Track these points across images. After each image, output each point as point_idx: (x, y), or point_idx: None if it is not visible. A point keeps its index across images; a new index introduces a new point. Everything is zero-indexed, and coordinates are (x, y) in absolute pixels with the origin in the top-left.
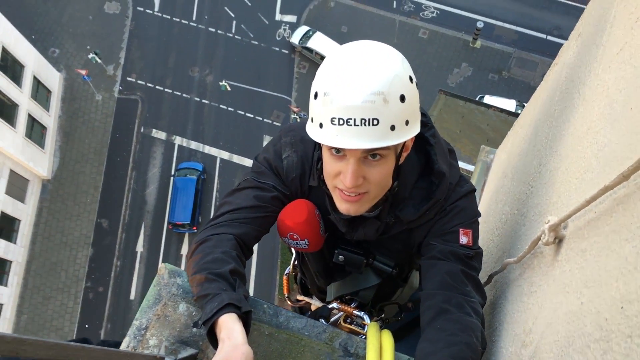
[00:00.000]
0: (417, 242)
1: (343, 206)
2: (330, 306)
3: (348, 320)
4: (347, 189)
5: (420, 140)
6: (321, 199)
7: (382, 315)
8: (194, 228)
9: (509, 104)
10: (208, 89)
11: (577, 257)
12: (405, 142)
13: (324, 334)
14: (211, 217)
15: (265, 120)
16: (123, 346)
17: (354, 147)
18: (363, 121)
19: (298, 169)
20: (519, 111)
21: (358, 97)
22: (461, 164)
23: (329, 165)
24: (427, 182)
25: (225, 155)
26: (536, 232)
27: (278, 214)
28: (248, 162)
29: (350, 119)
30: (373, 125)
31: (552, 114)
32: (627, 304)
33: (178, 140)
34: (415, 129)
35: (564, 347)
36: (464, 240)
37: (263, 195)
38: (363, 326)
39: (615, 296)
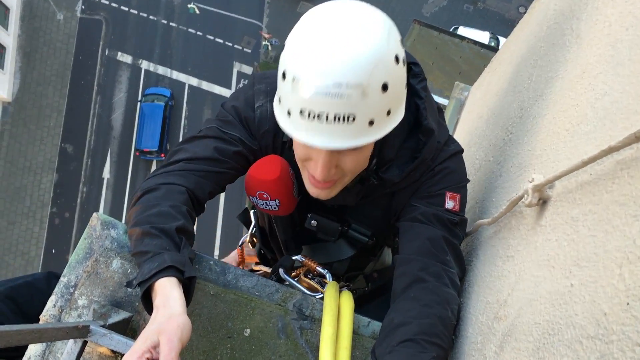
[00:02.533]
0: (400, 206)
1: (312, 190)
2: (294, 257)
3: (309, 276)
4: (316, 180)
5: (409, 92)
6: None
7: (350, 285)
8: (162, 155)
9: (483, 36)
10: (176, 11)
11: (566, 226)
12: None
13: (277, 294)
14: (168, 160)
15: (235, 46)
16: (49, 305)
17: (324, 146)
18: (337, 117)
19: (272, 120)
20: (492, 43)
21: (332, 89)
22: (433, 97)
23: (298, 147)
24: (414, 141)
25: (194, 81)
26: (515, 187)
27: (239, 172)
28: (218, 90)
29: (322, 113)
30: (348, 122)
31: (536, 51)
32: (635, 301)
33: (145, 65)
34: (398, 116)
35: (548, 334)
36: (449, 204)
37: (225, 148)
38: (324, 285)
39: (618, 287)
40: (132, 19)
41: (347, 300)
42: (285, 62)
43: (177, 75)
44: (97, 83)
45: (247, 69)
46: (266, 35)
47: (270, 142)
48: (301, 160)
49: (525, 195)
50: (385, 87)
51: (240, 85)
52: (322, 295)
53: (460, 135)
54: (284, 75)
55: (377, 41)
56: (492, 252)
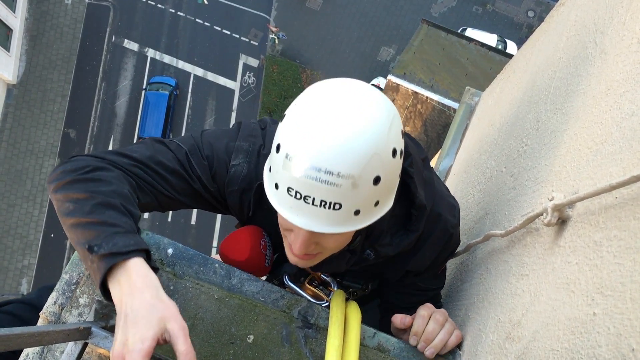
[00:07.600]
0: (399, 269)
1: (291, 258)
2: None
3: (314, 283)
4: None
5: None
6: (273, 221)
7: (350, 289)
8: None
9: (491, 39)
10: (184, 0)
11: (588, 250)
12: None
13: (282, 300)
14: (118, 150)
15: (242, 38)
16: (49, 302)
17: (305, 228)
18: (322, 203)
19: (244, 182)
20: (500, 46)
21: (322, 176)
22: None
23: (281, 217)
24: (404, 208)
25: (199, 72)
26: (530, 202)
27: (186, 203)
28: (223, 81)
29: (309, 196)
30: (333, 209)
31: (555, 62)
32: None
33: (151, 53)
34: (385, 207)
35: None
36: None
37: (182, 176)
38: (329, 293)
39: None
40: (140, 7)
41: (354, 311)
42: (281, 136)
43: (182, 64)
44: (103, 69)
45: (253, 62)
46: (274, 29)
47: (237, 203)
48: (283, 229)
49: (545, 214)
50: (377, 180)
51: (246, 77)
52: (327, 303)
53: (469, 141)
54: (277, 148)
55: (377, 134)
56: (505, 268)
